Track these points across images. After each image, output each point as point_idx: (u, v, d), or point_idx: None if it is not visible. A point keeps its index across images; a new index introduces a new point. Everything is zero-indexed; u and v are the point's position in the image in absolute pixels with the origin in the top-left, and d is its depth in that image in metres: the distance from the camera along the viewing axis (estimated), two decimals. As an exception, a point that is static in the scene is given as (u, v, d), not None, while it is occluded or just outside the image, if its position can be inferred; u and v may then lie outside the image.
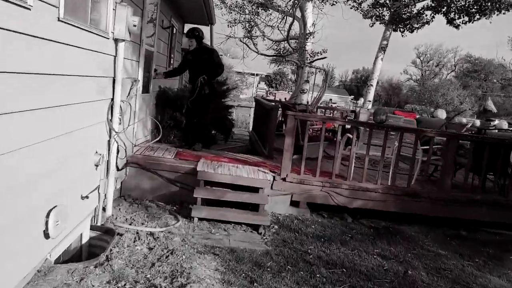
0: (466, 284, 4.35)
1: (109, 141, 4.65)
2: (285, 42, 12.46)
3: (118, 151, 4.93)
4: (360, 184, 6.00)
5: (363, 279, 4.13)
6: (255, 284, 3.72)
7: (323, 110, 11.05)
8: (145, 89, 6.68)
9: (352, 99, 51.34)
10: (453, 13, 11.80)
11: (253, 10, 13.06)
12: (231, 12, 13.66)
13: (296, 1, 10.58)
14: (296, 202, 6.00)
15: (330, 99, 40.91)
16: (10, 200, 2.61)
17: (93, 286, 3.20)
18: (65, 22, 3.08)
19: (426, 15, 11.69)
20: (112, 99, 4.59)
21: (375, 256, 4.76)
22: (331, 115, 11.54)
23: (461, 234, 5.99)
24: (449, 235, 5.90)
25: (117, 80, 4.57)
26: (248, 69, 41.03)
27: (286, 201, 5.97)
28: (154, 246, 4.14)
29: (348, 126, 7.07)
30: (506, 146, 6.02)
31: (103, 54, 4.18)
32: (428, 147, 6.41)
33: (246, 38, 12.49)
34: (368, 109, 11.64)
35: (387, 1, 11.66)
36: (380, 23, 12.13)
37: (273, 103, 8.28)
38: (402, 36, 12.71)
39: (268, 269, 4.06)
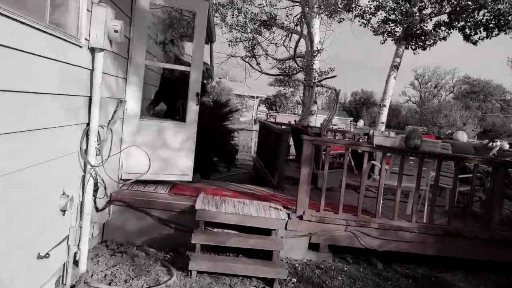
0: None
1: (84, 176, 3.67)
2: (290, 60, 11.64)
3: (97, 189, 3.95)
4: (392, 222, 5.00)
5: None
6: None
7: (333, 133, 10.12)
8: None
9: (351, 121, 50.86)
10: (470, 29, 11.01)
11: (255, 29, 12.31)
12: (231, 31, 12.93)
13: (303, 18, 9.78)
14: (316, 245, 4.97)
15: (324, 120, 40.08)
16: None
17: None
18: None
19: (441, 31, 10.93)
20: (88, 124, 3.64)
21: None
22: (343, 138, 10.61)
23: (515, 282, 4.96)
24: (502, 285, 4.85)
25: (94, 100, 3.62)
26: (248, 92, 40.44)
27: (303, 244, 4.95)
28: (138, 318, 3.10)
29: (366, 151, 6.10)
30: None
31: (74, 67, 3.25)
32: (464, 175, 5.45)
33: (248, 57, 11.66)
34: (382, 132, 10.71)
35: (399, 17, 10.92)
36: (392, 40, 11.34)
37: (282, 126, 7.34)
38: (414, 53, 11.92)
39: None
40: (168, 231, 4.80)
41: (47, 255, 2.91)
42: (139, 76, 5.04)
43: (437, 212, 5.28)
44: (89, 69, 3.56)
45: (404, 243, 4.99)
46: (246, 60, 11.33)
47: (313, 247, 4.98)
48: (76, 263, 3.71)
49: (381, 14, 11.41)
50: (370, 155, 9.80)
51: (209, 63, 10.85)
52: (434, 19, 10.74)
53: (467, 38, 10.95)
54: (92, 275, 3.77)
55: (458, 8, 10.71)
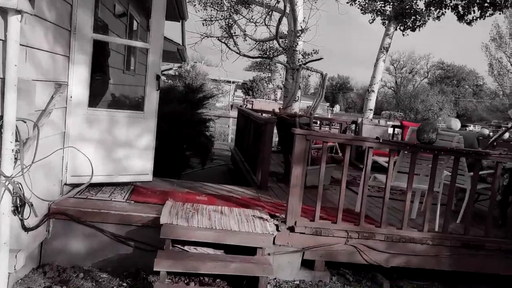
0: None
1: (-3, 190, 2.63)
2: (271, 42, 10.62)
3: (23, 204, 2.91)
4: (400, 232, 4.14)
5: None
6: None
7: (319, 122, 9.23)
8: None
9: (328, 106, 50.49)
10: (463, 8, 10.23)
11: (232, 7, 11.18)
12: (206, 9, 11.75)
13: (285, -8, 8.75)
14: (310, 262, 4.07)
15: (308, 107, 39.45)
16: None
17: None
18: None
19: (434, 11, 10.10)
20: (1, 118, 2.58)
21: None
22: (329, 129, 9.75)
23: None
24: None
25: (8, 84, 2.56)
26: (224, 76, 39.28)
27: (295, 261, 4.04)
28: None
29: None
30: None
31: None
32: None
33: (225, 38, 10.56)
34: (371, 120, 9.90)
35: (389, -6, 10.05)
36: (382, 19, 10.44)
37: (264, 115, 6.39)
38: (403, 35, 11.10)
39: None
40: (126, 250, 3.79)
41: None
42: (87, 53, 3.95)
43: (441, 216, 4.45)
44: (-1, 39, 2.49)
45: (415, 257, 4.15)
46: (223, 41, 10.22)
47: (306, 264, 4.08)
48: (-10, 309, 2.69)
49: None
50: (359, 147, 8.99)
51: (180, 43, 9.72)
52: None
53: (460, 18, 10.16)
54: (13, 326, 2.75)
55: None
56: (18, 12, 2.53)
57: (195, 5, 11.86)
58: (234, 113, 16.16)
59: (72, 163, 4.03)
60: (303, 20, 9.62)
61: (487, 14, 10.27)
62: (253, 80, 45.42)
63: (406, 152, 4.35)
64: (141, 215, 3.76)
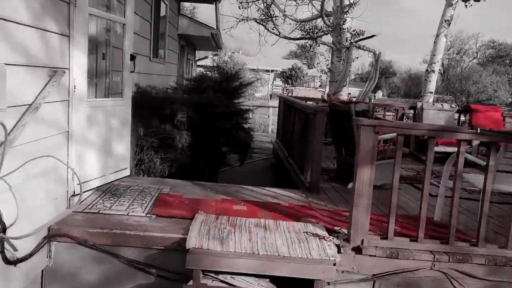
0: None
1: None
2: (313, 21, 9.54)
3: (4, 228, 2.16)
4: (506, 252, 3.09)
5: None
6: None
7: (373, 108, 8.09)
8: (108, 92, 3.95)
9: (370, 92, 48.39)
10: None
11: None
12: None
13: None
14: (383, 293, 3.11)
15: (349, 93, 37.78)
16: None
17: None
18: None
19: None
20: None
21: None
22: (383, 116, 8.57)
23: None
24: None
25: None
26: (263, 66, 38.41)
27: (363, 291, 3.09)
28: None
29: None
30: None
31: None
32: None
33: (263, 20, 9.59)
34: (433, 104, 8.65)
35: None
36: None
37: (314, 103, 5.43)
38: (466, 6, 9.68)
39: None
40: (146, 279, 2.99)
41: None
42: (85, 32, 3.15)
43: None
44: None
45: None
46: (261, 23, 9.26)
47: (378, 295, 3.12)
48: None
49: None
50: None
51: (215, 26, 8.88)
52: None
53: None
54: None
55: None
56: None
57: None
58: (274, 103, 15.23)
59: (80, 168, 3.28)
60: (351, -6, 8.49)
61: None
62: (292, 68, 44.22)
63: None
64: (163, 236, 2.93)
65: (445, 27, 8.83)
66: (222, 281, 2.79)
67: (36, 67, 2.57)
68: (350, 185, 5.04)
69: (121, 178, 4.04)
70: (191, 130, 5.42)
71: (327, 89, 8.04)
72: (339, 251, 3.00)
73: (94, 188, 3.58)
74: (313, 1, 8.85)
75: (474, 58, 66.97)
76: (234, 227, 3.13)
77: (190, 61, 11.35)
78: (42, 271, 2.90)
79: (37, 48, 2.58)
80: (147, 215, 3.23)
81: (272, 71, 43.00)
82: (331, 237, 3.12)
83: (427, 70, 9.53)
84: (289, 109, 6.57)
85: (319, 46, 9.38)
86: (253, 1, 10.39)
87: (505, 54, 60.48)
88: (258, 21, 9.30)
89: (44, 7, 2.63)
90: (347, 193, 4.72)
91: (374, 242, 3.06)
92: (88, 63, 3.23)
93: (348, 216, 3.55)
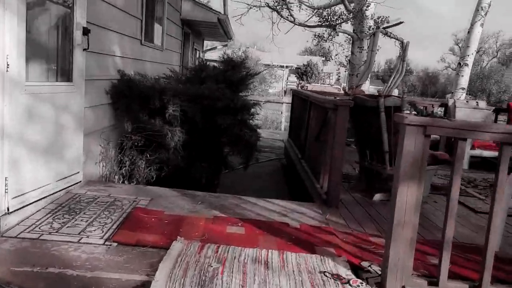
0: None
1: None
2: (331, 8, 8.59)
3: None
4: None
5: None
6: None
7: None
8: (65, 75, 3.07)
9: (386, 91, 47.05)
10: None
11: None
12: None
13: None
14: None
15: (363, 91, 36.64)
16: None
17: None
18: None
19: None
20: None
21: None
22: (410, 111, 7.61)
23: None
24: None
25: None
26: (277, 61, 37.63)
27: None
28: None
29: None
30: None
31: None
32: None
33: (276, 6, 8.68)
34: (466, 102, 7.63)
35: None
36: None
37: (334, 98, 4.54)
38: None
39: None
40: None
41: None
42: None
43: None
44: None
45: None
46: (275, 8, 8.35)
47: None
48: None
49: None
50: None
51: (222, 11, 8.00)
52: None
53: None
54: None
55: None
56: None
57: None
58: (288, 99, 14.36)
59: (16, 176, 2.43)
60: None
61: None
62: (307, 65, 43.26)
63: None
64: (119, 279, 2.06)
65: (481, 15, 7.77)
66: None
67: None
68: (376, 197, 4.14)
69: (72, 185, 3.18)
70: (186, 127, 4.57)
71: (344, 85, 7.10)
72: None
73: (38, 201, 2.72)
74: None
75: (494, 57, 64.79)
76: (223, 263, 2.25)
77: (197, 51, 10.50)
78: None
79: None
80: (106, 243, 2.37)
81: (286, 67, 42.17)
82: (359, 282, 2.23)
83: (459, 63, 8.47)
84: (303, 104, 5.66)
85: (338, 35, 8.48)
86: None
87: (527, 53, 58.34)
88: (271, 6, 8.38)
89: None
90: (373, 207, 3.83)
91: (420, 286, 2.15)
92: (29, 37, 2.38)
93: (378, 244, 2.66)
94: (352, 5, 7.93)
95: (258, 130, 5.29)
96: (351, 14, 7.42)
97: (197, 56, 10.13)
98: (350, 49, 8.26)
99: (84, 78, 3.24)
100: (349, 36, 8.16)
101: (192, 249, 2.37)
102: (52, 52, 2.96)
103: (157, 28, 5.93)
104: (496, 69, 48.71)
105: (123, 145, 4.25)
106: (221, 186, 5.48)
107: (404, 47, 6.25)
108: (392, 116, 3.93)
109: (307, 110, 5.13)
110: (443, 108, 7.49)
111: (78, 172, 3.26)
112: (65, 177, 3.06)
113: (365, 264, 2.44)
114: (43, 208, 2.73)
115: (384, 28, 6.30)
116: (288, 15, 8.62)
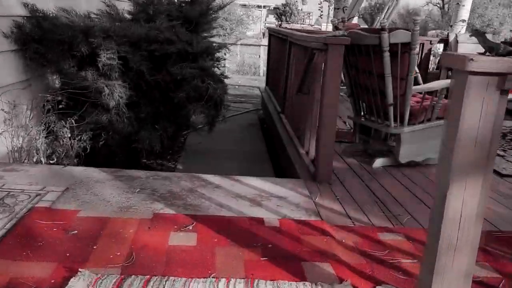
0: None
1: None
2: None
3: None
4: None
5: None
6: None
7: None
8: None
9: (365, 28, 45.84)
10: None
11: None
12: None
13: None
14: None
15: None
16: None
17: None
18: None
19: None
20: None
21: None
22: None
23: None
24: None
25: None
26: (253, 1, 35.58)
27: None
28: None
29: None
30: None
31: None
32: None
33: None
34: (470, 36, 6.57)
35: None
36: None
37: (320, 35, 3.50)
38: None
39: None
40: None
41: None
42: None
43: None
44: None
45: None
46: None
47: None
48: None
49: None
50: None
51: None
52: None
53: None
54: None
55: None
56: None
57: None
58: (266, 41, 13.17)
59: None
60: None
61: None
62: (286, 4, 41.20)
63: None
64: None
65: None
66: None
67: None
68: (377, 163, 3.25)
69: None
70: (130, 80, 3.51)
71: (333, 19, 5.95)
72: None
73: None
74: None
75: (477, -12, 63.07)
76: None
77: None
78: None
79: None
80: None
81: (264, 7, 40.03)
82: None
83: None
84: (282, 45, 4.58)
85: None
86: None
87: (513, -15, 56.69)
88: None
89: None
90: (374, 177, 2.94)
91: None
92: None
93: (393, 247, 1.79)
94: None
95: (232, 76, 4.24)
96: None
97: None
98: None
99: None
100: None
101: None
102: None
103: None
104: (479, 2, 47.30)
105: (45, 108, 3.20)
106: (186, 151, 4.51)
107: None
108: (399, 56, 2.94)
109: (286, 54, 4.08)
110: (444, 43, 6.50)
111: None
112: None
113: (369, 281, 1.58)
114: None
115: None
116: None
